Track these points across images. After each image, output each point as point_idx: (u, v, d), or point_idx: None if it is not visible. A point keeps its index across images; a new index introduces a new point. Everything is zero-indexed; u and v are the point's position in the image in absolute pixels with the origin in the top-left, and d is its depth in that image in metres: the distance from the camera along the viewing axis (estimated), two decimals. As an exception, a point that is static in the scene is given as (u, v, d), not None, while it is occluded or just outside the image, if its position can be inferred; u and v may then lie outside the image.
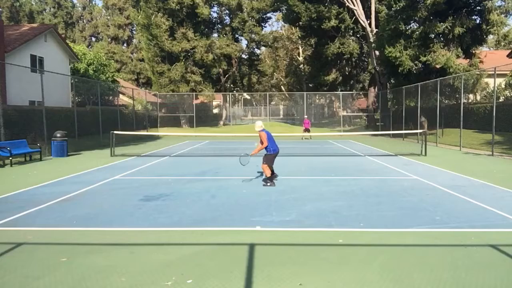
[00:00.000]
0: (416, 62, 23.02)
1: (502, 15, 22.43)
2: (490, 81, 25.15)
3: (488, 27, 22.31)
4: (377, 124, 31.25)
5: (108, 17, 67.50)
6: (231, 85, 45.27)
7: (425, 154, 14.31)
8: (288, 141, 22.68)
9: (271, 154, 8.64)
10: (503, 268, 4.03)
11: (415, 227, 5.43)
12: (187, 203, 6.95)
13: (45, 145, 14.39)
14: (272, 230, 5.32)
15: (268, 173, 8.55)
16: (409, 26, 23.75)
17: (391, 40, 23.58)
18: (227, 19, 40.99)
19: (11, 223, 5.68)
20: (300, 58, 54.40)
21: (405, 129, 22.49)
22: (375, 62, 30.94)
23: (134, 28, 61.51)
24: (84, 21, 70.54)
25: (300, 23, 34.86)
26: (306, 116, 25.84)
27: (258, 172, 10.02)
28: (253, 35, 40.55)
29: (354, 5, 31.57)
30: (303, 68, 53.03)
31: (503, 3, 23.07)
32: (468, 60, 24.05)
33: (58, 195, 7.47)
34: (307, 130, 23.95)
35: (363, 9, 31.94)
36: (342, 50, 34.94)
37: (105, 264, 4.14)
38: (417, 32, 22.80)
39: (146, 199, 7.20)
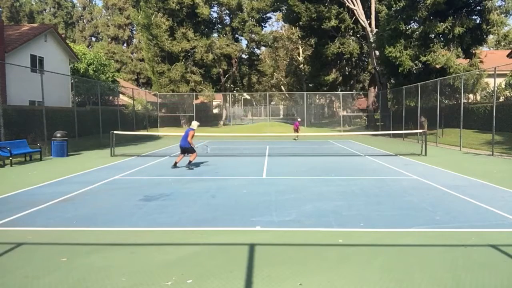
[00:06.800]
0: (416, 62, 23.02)
1: (502, 15, 22.41)
2: (490, 81, 25.12)
3: (488, 27, 22.30)
4: (377, 124, 31.23)
5: (108, 17, 67.50)
6: (231, 85, 45.24)
7: (425, 154, 14.31)
8: (288, 141, 22.69)
9: None
10: (503, 268, 4.03)
11: (415, 227, 5.42)
12: (187, 203, 6.94)
13: (45, 145, 14.38)
14: (272, 230, 5.32)
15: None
16: (409, 26, 23.73)
17: (391, 40, 23.58)
18: (227, 19, 40.99)
19: (11, 223, 5.68)
20: (300, 58, 54.39)
21: (405, 129, 22.48)
22: (375, 62, 30.94)
23: (134, 28, 61.49)
24: (84, 21, 70.53)
25: (300, 23, 34.87)
26: (299, 119, 26.54)
27: (256, 173, 10.00)
28: (253, 35, 40.53)
29: (354, 5, 31.57)
30: (303, 68, 53.02)
31: (503, 3, 23.06)
32: (468, 60, 24.04)
33: (58, 195, 7.46)
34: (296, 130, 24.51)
35: (363, 9, 31.95)
36: (342, 50, 34.95)
37: (105, 264, 4.14)
38: (417, 32, 22.80)
39: (146, 199, 7.20)
